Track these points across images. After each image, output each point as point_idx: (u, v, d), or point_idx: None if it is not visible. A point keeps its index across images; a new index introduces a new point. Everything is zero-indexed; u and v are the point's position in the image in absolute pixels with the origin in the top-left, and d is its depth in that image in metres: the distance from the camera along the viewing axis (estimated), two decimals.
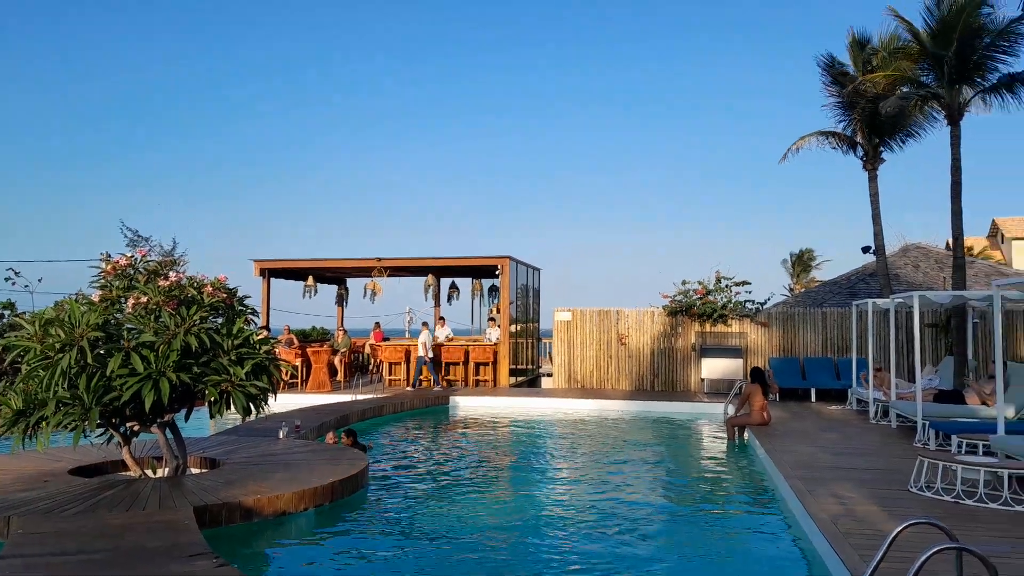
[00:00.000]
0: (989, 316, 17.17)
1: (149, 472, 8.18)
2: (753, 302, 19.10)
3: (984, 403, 11.64)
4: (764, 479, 9.43)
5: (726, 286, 19.11)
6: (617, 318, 19.69)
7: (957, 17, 14.04)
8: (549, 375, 21.45)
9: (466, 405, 16.77)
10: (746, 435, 12.24)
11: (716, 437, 13.15)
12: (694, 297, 19.12)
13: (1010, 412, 10.88)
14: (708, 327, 19.07)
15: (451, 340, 20.54)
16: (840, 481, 8.05)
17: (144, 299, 7.44)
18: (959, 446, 9.10)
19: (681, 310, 19.17)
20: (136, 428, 7.77)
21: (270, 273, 21.31)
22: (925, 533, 5.51)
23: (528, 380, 21.43)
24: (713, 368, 18.47)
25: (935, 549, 3.81)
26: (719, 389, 18.10)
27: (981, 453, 8.60)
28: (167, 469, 8.00)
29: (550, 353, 21.97)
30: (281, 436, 10.57)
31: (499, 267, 19.74)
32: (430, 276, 21.61)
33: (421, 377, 18.90)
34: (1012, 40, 14.21)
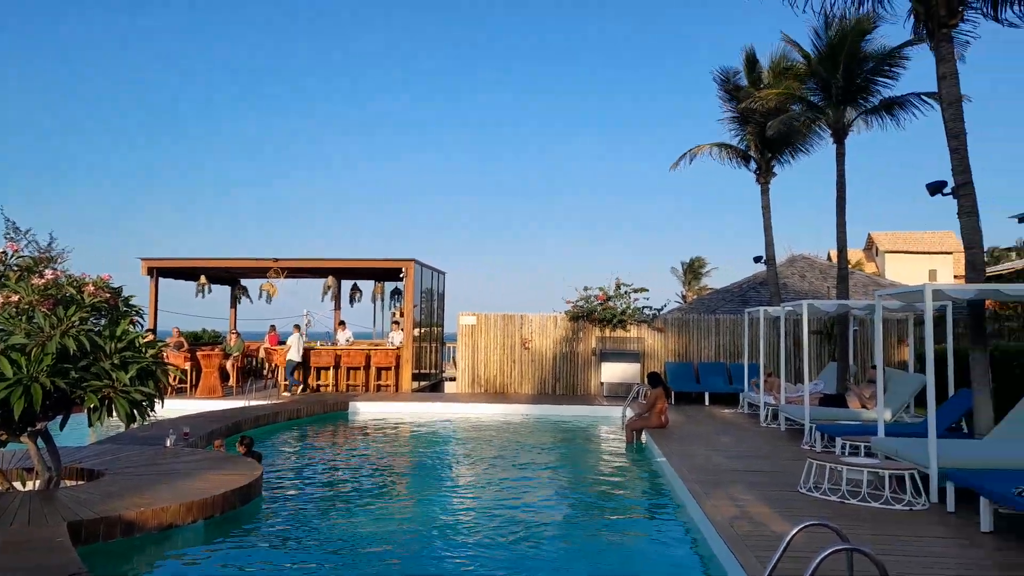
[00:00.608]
0: (867, 324, 18.24)
1: (18, 485, 7.55)
2: (651, 308, 19.60)
3: (864, 406, 12.31)
4: (662, 482, 9.62)
5: (625, 292, 19.55)
6: (521, 323, 19.77)
7: (843, 42, 14.84)
8: (453, 379, 21.30)
9: (367, 411, 16.40)
10: (643, 438, 12.49)
11: (615, 440, 13.36)
12: (595, 303, 19.45)
13: (888, 415, 11.56)
14: (608, 332, 19.42)
15: (351, 344, 20.08)
16: (735, 483, 8.30)
17: (15, 298, 6.84)
18: (843, 448, 9.57)
19: (583, 315, 19.45)
20: (3, 437, 7.14)
21: (159, 272, 20.21)
22: (816, 533, 5.73)
23: (431, 385, 21.21)
24: (612, 372, 18.81)
25: (830, 550, 3.93)
26: (618, 392, 18.45)
27: (863, 454, 9.07)
28: (38, 481, 7.39)
29: (454, 357, 21.83)
30: (168, 444, 9.99)
31: (403, 270, 19.45)
32: (330, 278, 21.06)
33: (295, 381, 18.33)
34: (892, 66, 15.14)
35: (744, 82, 18.79)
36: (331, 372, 19.11)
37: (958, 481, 6.90)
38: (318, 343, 20.14)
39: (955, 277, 45.18)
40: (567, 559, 6.66)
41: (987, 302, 16.30)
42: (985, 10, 10.42)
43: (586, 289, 19.70)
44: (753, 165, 19.16)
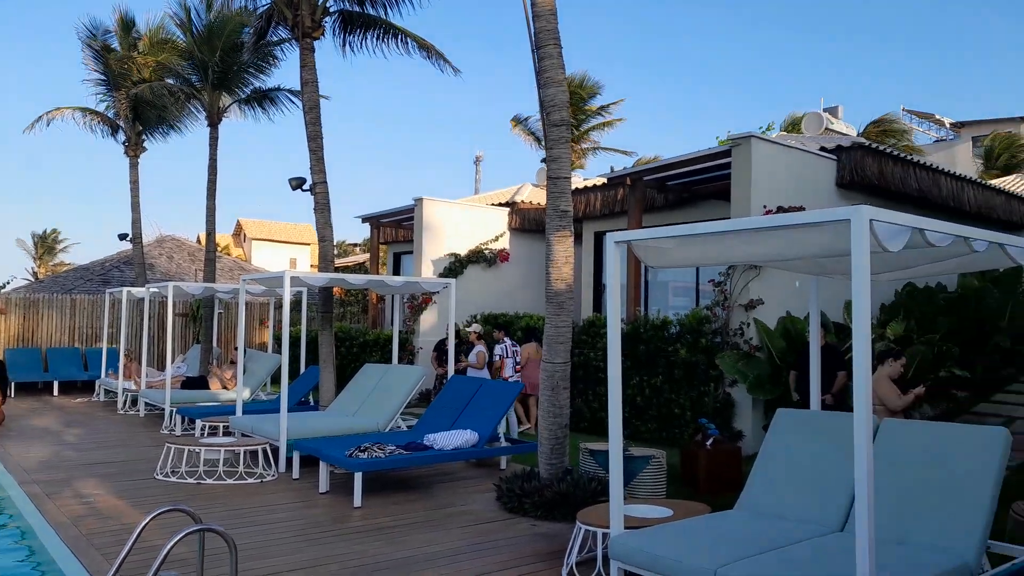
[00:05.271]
0: (233, 307, 18.92)
1: None
2: None
3: (225, 387, 12.73)
4: None
5: None
6: None
7: (222, 29, 15.03)
8: None
9: None
10: None
11: None
12: None
13: (246, 394, 12.19)
14: None
15: None
16: (85, 478, 7.65)
17: None
18: (203, 429, 9.72)
19: None
20: None
21: None
22: (172, 518, 5.70)
23: None
24: None
25: (181, 535, 3.94)
26: None
27: (222, 434, 9.37)
28: None
29: None
30: None
31: None
32: None
33: None
34: (265, 62, 15.97)
35: (116, 44, 17.37)
36: None
37: (303, 450, 7.70)
38: None
39: (312, 266, 50.31)
40: None
41: (335, 289, 18.58)
42: (336, 32, 11.88)
43: None
44: (122, 136, 17.89)
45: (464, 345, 11.82)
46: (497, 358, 10.40)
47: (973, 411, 9.18)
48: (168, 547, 3.86)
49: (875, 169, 10.67)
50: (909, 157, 11.55)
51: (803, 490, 4.70)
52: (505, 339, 10.52)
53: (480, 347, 10.72)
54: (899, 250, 3.49)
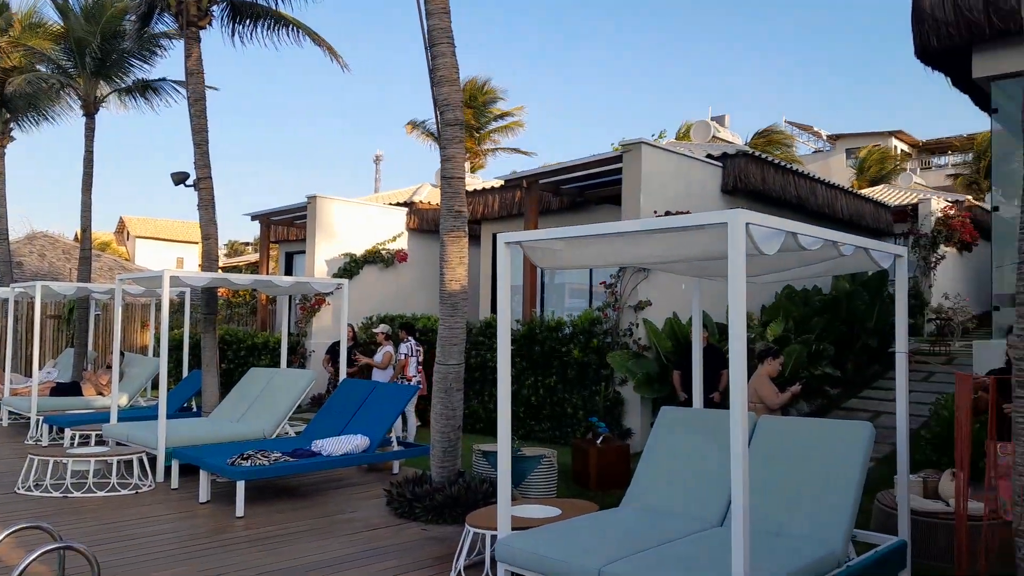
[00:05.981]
0: (111, 308, 17.86)
1: None
2: None
3: (100, 393, 11.98)
4: None
5: None
6: None
7: (102, 13, 14.16)
8: None
9: None
10: None
11: None
12: None
13: (124, 400, 11.53)
14: None
15: None
16: None
17: None
18: (72, 439, 9.10)
19: None
20: None
21: None
22: (34, 536, 5.31)
23: None
24: None
25: (35, 555, 3.64)
26: None
27: (94, 444, 8.80)
28: None
29: None
30: None
31: None
32: None
33: None
34: (150, 51, 15.14)
35: None
36: None
37: (182, 458, 7.31)
38: None
39: (200, 266, 48.22)
40: None
41: (221, 290, 17.88)
42: (224, 22, 11.41)
43: None
44: None
45: (360, 347, 11.58)
46: (402, 356, 10.27)
47: (843, 407, 9.74)
48: (21, 568, 3.57)
49: (758, 177, 11.16)
50: (789, 166, 12.15)
51: (685, 486, 4.82)
52: (409, 338, 10.41)
53: (388, 347, 10.54)
54: (774, 253, 3.62)
